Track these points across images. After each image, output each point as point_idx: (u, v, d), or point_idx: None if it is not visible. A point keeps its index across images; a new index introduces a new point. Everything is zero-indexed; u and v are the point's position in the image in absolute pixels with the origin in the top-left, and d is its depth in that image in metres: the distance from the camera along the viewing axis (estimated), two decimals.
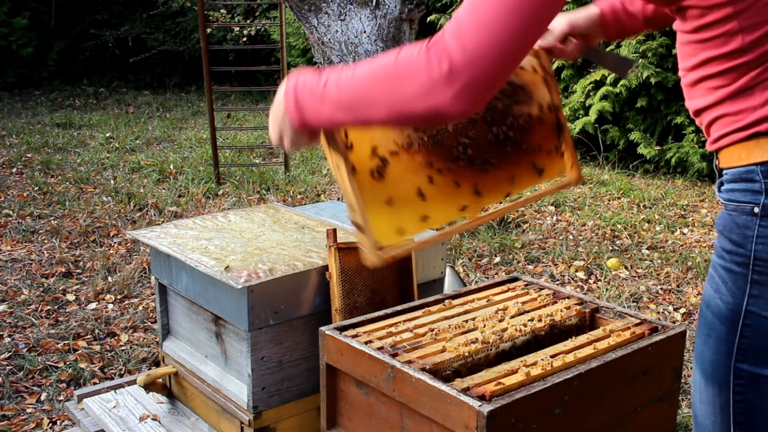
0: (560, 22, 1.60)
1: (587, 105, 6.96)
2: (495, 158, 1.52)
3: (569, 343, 1.73)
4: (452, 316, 1.92)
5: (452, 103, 1.09)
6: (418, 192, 1.45)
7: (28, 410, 2.89)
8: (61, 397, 2.97)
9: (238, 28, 11.05)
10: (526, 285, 2.17)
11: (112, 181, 6.36)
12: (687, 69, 1.33)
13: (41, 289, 4.05)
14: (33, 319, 3.65)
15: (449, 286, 2.97)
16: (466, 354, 1.69)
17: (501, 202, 1.56)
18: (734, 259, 1.26)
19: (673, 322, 3.65)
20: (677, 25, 1.33)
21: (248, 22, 11.52)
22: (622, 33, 1.64)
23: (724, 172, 1.31)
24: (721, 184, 1.32)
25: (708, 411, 1.33)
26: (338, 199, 4.79)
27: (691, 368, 3.17)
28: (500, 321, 1.89)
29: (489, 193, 1.53)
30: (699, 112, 1.33)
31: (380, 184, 1.42)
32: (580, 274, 4.31)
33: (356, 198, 1.36)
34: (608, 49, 6.02)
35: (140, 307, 3.82)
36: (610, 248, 4.78)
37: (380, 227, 1.40)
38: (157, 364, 3.15)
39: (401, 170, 1.44)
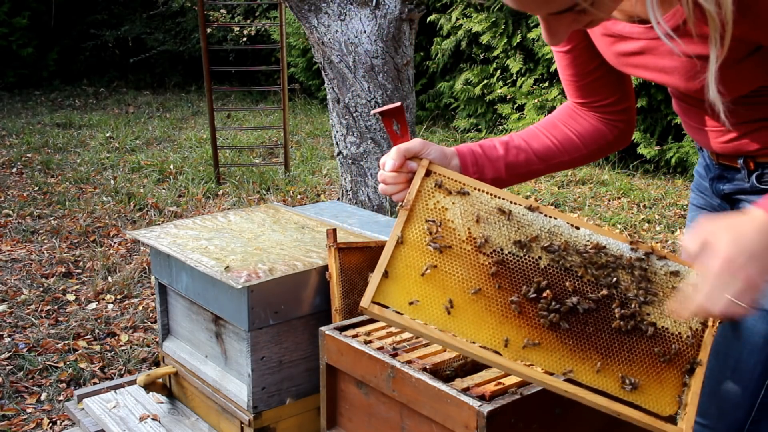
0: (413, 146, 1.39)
1: None
2: (578, 325, 1.30)
3: None
4: None
5: None
6: (464, 288, 1.30)
7: (28, 410, 2.89)
8: (61, 397, 2.97)
9: (238, 28, 11.05)
10: None
11: (112, 181, 6.36)
12: None
13: (41, 289, 4.05)
14: (33, 319, 3.65)
15: None
16: None
17: (554, 375, 1.28)
18: None
19: None
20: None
21: (248, 22, 11.52)
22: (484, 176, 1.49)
23: None
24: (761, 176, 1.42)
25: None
26: (338, 199, 4.78)
27: None
28: None
29: (544, 350, 1.29)
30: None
31: (433, 255, 1.33)
32: None
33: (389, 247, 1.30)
34: None
35: (140, 307, 3.82)
36: None
37: (398, 287, 1.30)
38: (157, 364, 3.15)
39: (466, 260, 1.32)
